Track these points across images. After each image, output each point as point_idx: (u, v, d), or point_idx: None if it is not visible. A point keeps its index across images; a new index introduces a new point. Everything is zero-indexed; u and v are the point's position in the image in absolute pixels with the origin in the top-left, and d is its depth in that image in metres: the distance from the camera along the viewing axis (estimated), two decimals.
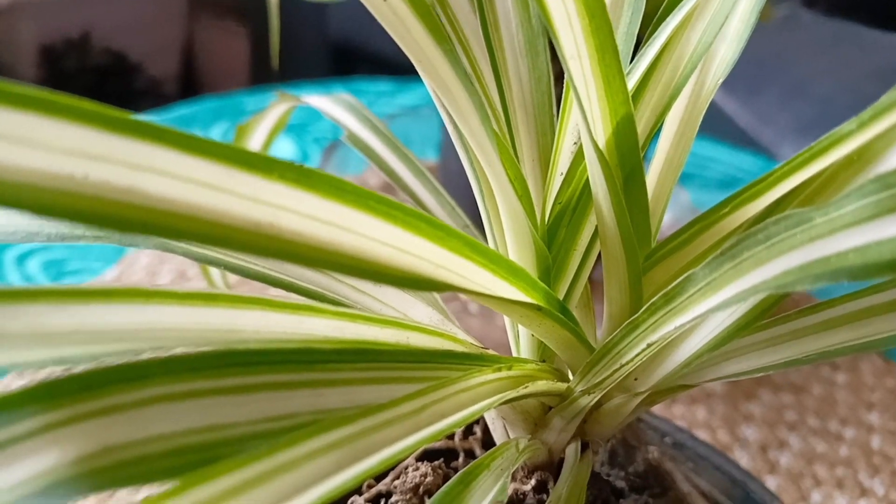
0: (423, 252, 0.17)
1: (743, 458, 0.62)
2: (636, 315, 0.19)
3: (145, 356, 0.14)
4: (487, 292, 0.18)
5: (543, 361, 0.22)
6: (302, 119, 0.96)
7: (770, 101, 1.44)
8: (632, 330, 0.19)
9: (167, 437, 0.14)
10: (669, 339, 0.19)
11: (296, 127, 0.94)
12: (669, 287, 0.18)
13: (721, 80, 0.22)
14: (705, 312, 0.17)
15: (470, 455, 0.28)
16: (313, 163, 0.87)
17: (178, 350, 0.14)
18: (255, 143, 0.42)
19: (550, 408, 0.22)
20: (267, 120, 0.39)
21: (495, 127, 0.23)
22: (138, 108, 0.96)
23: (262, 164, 0.15)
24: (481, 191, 0.22)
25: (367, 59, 1.66)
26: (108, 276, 0.67)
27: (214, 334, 0.15)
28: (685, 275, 0.18)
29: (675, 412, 0.64)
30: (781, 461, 0.63)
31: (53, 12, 1.94)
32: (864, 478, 0.63)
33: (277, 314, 0.16)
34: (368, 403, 0.16)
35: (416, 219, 0.17)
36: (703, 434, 0.64)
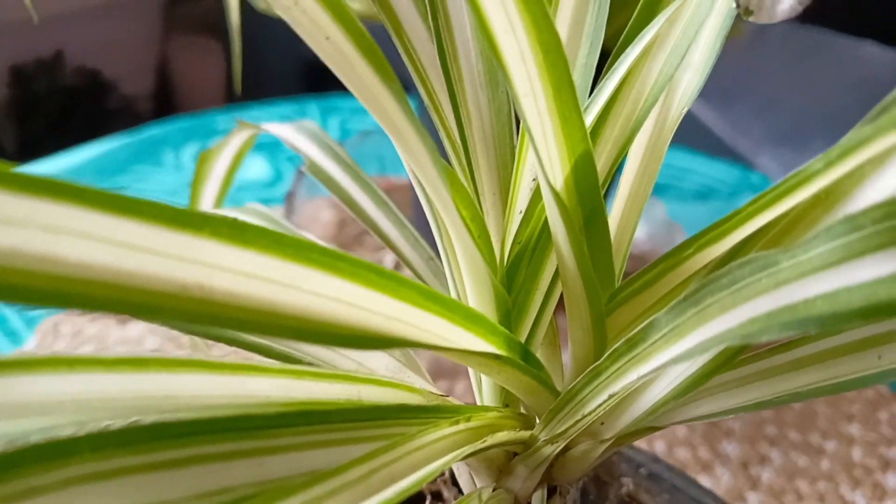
0: (373, 305, 0.16)
1: (724, 475, 0.62)
2: (598, 363, 0.18)
3: (69, 432, 0.13)
4: (445, 344, 0.17)
5: (507, 406, 0.21)
6: (275, 138, 0.95)
7: (745, 111, 1.45)
8: (594, 377, 0.18)
9: None
10: (633, 388, 0.18)
11: (268, 146, 0.93)
12: (632, 333, 0.17)
13: (686, 109, 0.22)
14: (668, 362, 0.16)
15: (437, 497, 0.27)
16: (286, 182, 0.86)
17: (106, 423, 0.13)
18: (218, 170, 0.41)
19: (516, 454, 0.21)
20: (228, 148, 0.39)
21: (454, 160, 0.22)
22: (111, 129, 0.95)
23: (191, 221, 0.14)
24: (439, 230, 0.21)
25: None
26: (28, 346, 0.62)
27: (147, 402, 0.14)
28: (648, 320, 0.17)
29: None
30: (763, 477, 0.62)
31: (24, 32, 1.91)
32: (846, 491, 0.63)
33: (216, 376, 0.15)
34: (315, 470, 0.15)
35: (365, 270, 0.16)
36: (683, 452, 0.63)
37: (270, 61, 1.81)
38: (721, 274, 0.16)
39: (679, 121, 0.22)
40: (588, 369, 0.18)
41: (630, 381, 0.17)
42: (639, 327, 0.17)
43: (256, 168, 0.89)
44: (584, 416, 0.18)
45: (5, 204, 0.12)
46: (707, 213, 0.91)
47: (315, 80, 1.78)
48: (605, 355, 0.18)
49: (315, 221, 0.75)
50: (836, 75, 1.47)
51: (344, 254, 0.16)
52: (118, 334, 0.64)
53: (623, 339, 0.17)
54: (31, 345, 0.61)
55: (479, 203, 0.22)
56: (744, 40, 0.21)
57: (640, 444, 0.57)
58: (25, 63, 1.94)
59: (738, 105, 1.45)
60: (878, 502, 0.63)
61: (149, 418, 0.13)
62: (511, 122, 0.23)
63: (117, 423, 0.14)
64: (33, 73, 1.96)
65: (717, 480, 0.61)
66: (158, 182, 0.85)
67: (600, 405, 0.18)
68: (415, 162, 0.18)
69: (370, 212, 0.30)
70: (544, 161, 0.17)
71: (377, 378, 0.18)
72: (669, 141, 0.22)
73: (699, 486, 0.33)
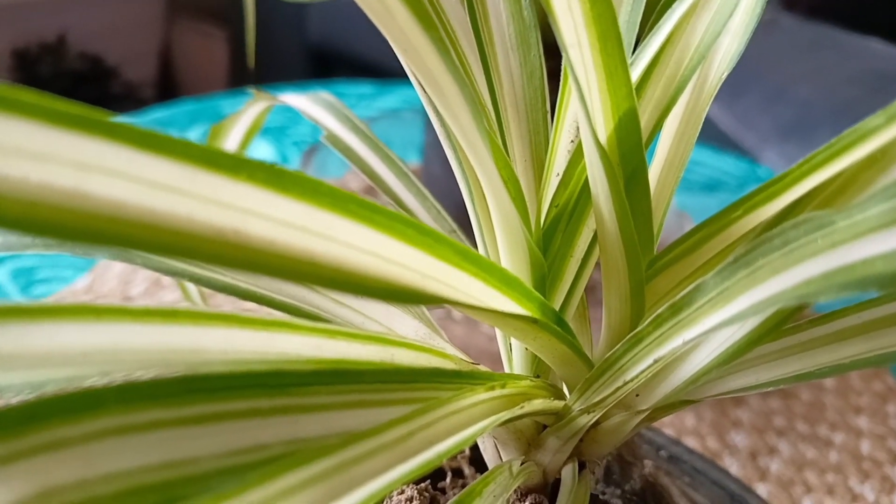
0: (410, 261, 0.15)
1: (733, 466, 0.61)
2: (639, 328, 0.17)
3: (95, 382, 0.13)
4: (480, 304, 0.16)
5: (538, 377, 0.21)
6: (281, 122, 0.94)
7: (751, 104, 1.44)
8: (635, 344, 0.17)
9: (119, 475, 0.12)
10: (677, 355, 0.17)
11: (274, 130, 0.92)
12: (677, 297, 0.16)
13: (725, 75, 0.21)
14: (717, 325, 0.16)
15: (458, 474, 0.26)
16: (292, 166, 0.85)
17: (133, 375, 0.13)
18: (230, 144, 0.40)
19: (545, 426, 0.21)
20: (243, 120, 0.38)
21: (486, 125, 0.22)
22: (115, 114, 0.94)
23: (227, 164, 0.13)
24: (471, 193, 0.20)
25: (347, 61, 1.64)
26: (80, 285, 0.65)
27: (175, 356, 0.13)
28: (694, 284, 0.16)
29: (664, 420, 0.63)
30: (772, 468, 0.62)
31: (28, 16, 1.90)
32: (855, 483, 0.62)
33: (247, 331, 0.15)
34: (350, 431, 0.14)
35: (402, 224, 0.15)
36: (692, 442, 0.63)
37: (276, 47, 1.80)
38: (773, 235, 0.16)
39: (718, 87, 0.21)
40: (629, 335, 0.17)
41: (675, 347, 0.16)
42: (683, 291, 0.16)
43: (261, 152, 0.88)
44: (625, 383, 0.17)
45: (35, 138, 0.12)
46: (715, 205, 0.90)
47: (321, 67, 1.77)
48: (648, 320, 0.17)
49: None
50: (843, 70, 1.46)
51: (382, 207, 0.15)
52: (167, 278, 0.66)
53: (667, 304, 0.17)
54: (86, 281, 0.64)
55: None
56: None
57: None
58: (29, 47, 1.93)
59: (744, 100, 1.44)
60: (888, 495, 0.62)
61: (178, 371, 0.13)
62: (543, 87, 0.22)
63: (145, 375, 0.13)
64: (37, 57, 1.95)
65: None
66: None
67: (642, 372, 0.17)
68: (452, 117, 0.17)
69: (390, 182, 0.29)
70: (590, 115, 0.16)
71: (410, 342, 0.17)
72: (708, 107, 0.21)
73: (719, 468, 0.33)
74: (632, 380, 0.17)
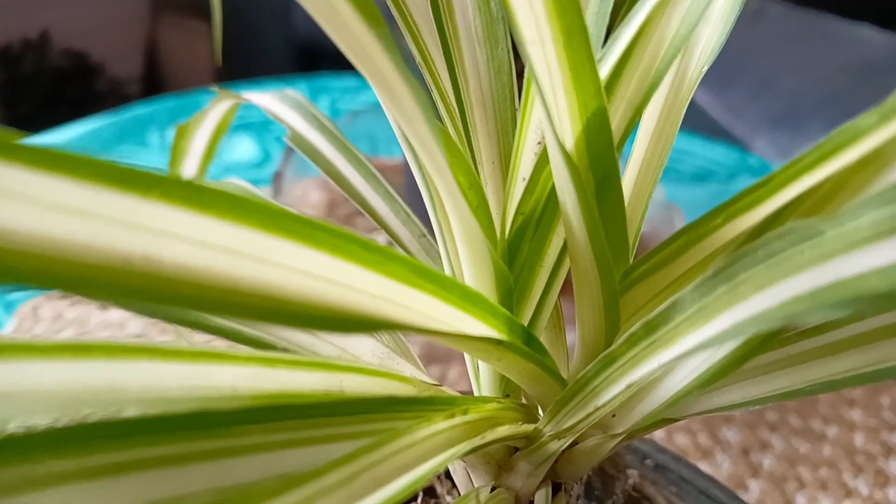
0: (357, 281, 0.14)
1: (725, 462, 0.60)
2: (612, 348, 0.16)
3: None
4: (436, 326, 0.14)
5: (507, 396, 0.19)
6: (264, 117, 0.92)
7: (741, 93, 1.43)
8: (607, 364, 0.16)
9: None
10: (652, 377, 0.16)
11: (256, 125, 0.91)
12: (653, 314, 0.15)
13: (706, 68, 0.19)
14: (695, 348, 0.14)
15: (429, 493, 0.25)
16: (275, 163, 0.83)
17: (31, 422, 0.11)
18: (197, 144, 0.38)
19: (517, 449, 0.19)
20: (209, 119, 0.36)
21: (449, 125, 0.20)
22: (99, 111, 0.92)
23: (137, 181, 0.12)
24: (432, 201, 0.19)
25: (332, 54, 1.62)
26: (6, 330, 0.59)
27: (85, 397, 0.12)
28: (671, 299, 0.15)
29: None
30: (764, 464, 0.61)
31: (9, 12, 1.87)
32: (849, 478, 0.61)
33: (173, 365, 0.13)
34: (288, 473, 0.13)
35: (347, 241, 0.14)
36: (682, 438, 0.62)
37: (259, 41, 1.78)
38: (756, 246, 0.14)
39: (698, 81, 0.20)
40: (601, 356, 0.16)
41: (650, 370, 0.15)
42: (659, 308, 0.15)
43: (244, 148, 0.87)
44: (597, 409, 0.16)
45: None
46: (705, 196, 0.89)
47: (305, 60, 1.75)
48: (622, 340, 0.15)
49: (304, 202, 0.73)
50: (833, 58, 1.45)
51: (322, 223, 0.14)
52: (99, 318, 0.62)
53: (641, 322, 0.15)
54: (9, 328, 0.59)
55: (477, 172, 0.19)
56: (739, 23, 0.19)
57: None
58: (11, 44, 1.90)
59: (734, 88, 1.43)
60: (881, 489, 0.61)
61: (85, 415, 0.11)
62: (512, 83, 0.21)
63: (48, 421, 0.11)
64: (19, 55, 1.92)
65: (717, 467, 0.60)
66: (143, 162, 0.83)
67: (615, 396, 0.15)
68: (406, 121, 0.15)
69: (358, 186, 0.27)
70: (553, 118, 0.15)
71: (361, 366, 0.16)
72: (687, 103, 0.20)
73: (706, 477, 0.31)
74: (605, 404, 0.16)
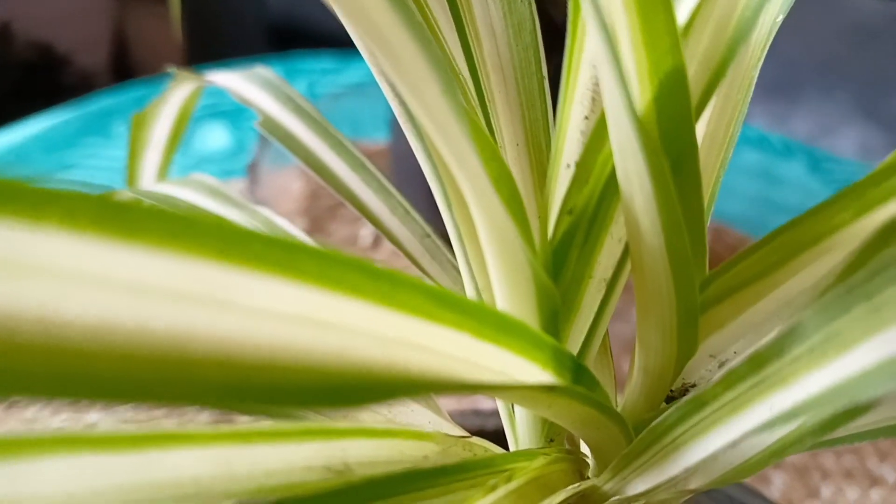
0: (356, 320, 0.10)
1: None
2: (702, 389, 0.12)
3: None
4: (473, 378, 0.10)
5: (551, 441, 0.15)
6: (238, 103, 0.87)
7: None
8: (695, 409, 0.12)
9: None
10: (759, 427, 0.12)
11: (231, 113, 0.86)
12: (762, 345, 0.11)
13: (781, 19, 0.15)
14: (828, 393, 0.10)
15: None
16: (251, 152, 0.78)
17: None
18: (158, 136, 0.34)
19: None
20: (168, 107, 0.32)
21: (462, 100, 0.16)
22: (68, 103, 0.87)
23: (20, 198, 0.07)
24: (446, 198, 0.15)
25: (309, 33, 1.56)
26: None
27: None
28: (790, 323, 0.11)
29: None
30: None
31: None
32: (874, 465, 0.58)
33: (105, 457, 0.09)
34: None
35: (338, 266, 0.10)
36: None
37: (234, 21, 1.71)
38: None
39: (771, 35, 0.16)
40: (689, 395, 0.12)
41: (761, 420, 0.11)
42: (771, 335, 0.11)
43: (217, 137, 0.82)
44: (686, 470, 0.12)
45: None
46: None
47: (280, 41, 1.69)
48: (718, 377, 0.11)
49: (284, 193, 0.68)
50: (826, 24, 1.41)
51: (299, 243, 0.09)
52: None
53: (746, 355, 0.11)
54: None
55: None
56: None
57: None
58: None
59: None
60: None
61: None
62: (537, 44, 0.16)
63: None
64: None
65: None
66: (109, 158, 0.78)
67: (712, 455, 0.12)
68: (415, 95, 0.11)
69: (345, 178, 0.23)
70: (622, 78, 0.10)
71: (367, 427, 0.12)
72: (760, 63, 0.16)
73: (757, 495, 0.28)
74: (696, 465, 0.12)
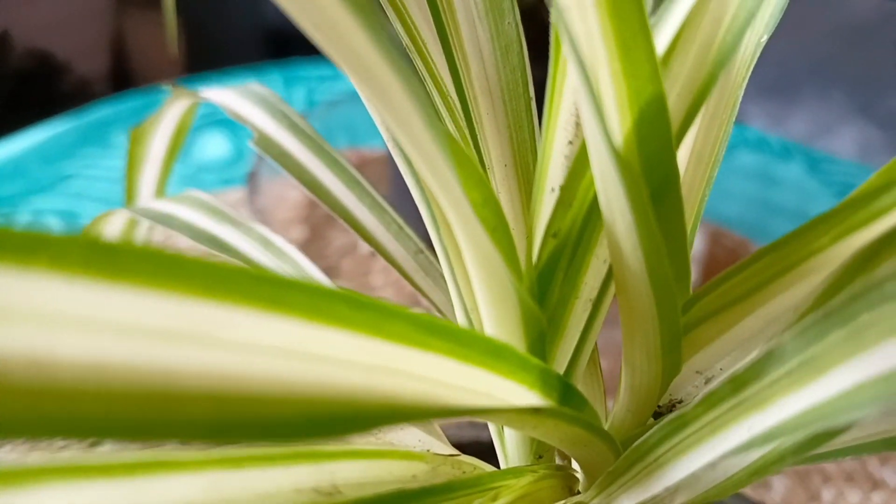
0: (342, 351, 0.10)
1: None
2: (683, 410, 0.12)
3: None
4: (455, 405, 0.11)
5: (540, 458, 0.16)
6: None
7: None
8: (677, 429, 0.12)
9: None
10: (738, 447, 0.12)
11: (229, 122, 0.86)
12: (741, 367, 0.11)
13: (765, 38, 0.16)
14: (805, 415, 0.10)
15: None
16: (249, 161, 0.79)
17: None
18: (156, 151, 0.34)
19: None
20: (165, 123, 0.32)
21: (449, 122, 0.16)
22: (67, 112, 0.87)
23: (15, 244, 0.08)
24: (435, 222, 0.15)
25: (305, 40, 1.57)
26: None
27: None
28: (768, 346, 0.11)
29: None
30: None
31: None
32: (875, 468, 0.59)
33: (97, 485, 0.09)
34: None
35: (328, 300, 0.10)
36: None
37: (230, 28, 1.72)
38: (884, 276, 0.10)
39: (756, 55, 0.16)
40: (671, 416, 0.12)
41: (740, 441, 0.11)
42: (749, 358, 0.11)
43: (216, 146, 0.82)
44: (666, 490, 0.12)
45: None
46: None
47: (277, 47, 1.70)
48: (699, 398, 0.12)
49: (282, 202, 0.69)
50: (822, 23, 1.41)
51: (288, 278, 0.10)
52: None
53: (727, 376, 0.11)
54: None
55: (487, 179, 0.15)
56: None
57: None
58: None
59: None
60: None
61: None
62: (524, 67, 0.17)
63: None
64: None
65: None
66: (107, 168, 0.78)
67: (692, 474, 0.12)
68: (399, 124, 0.11)
69: (338, 194, 0.23)
70: (599, 107, 0.11)
71: (356, 448, 0.12)
72: (745, 82, 0.16)
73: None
74: (678, 484, 0.12)
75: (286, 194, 0.69)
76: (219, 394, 0.08)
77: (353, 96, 0.89)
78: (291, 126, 0.25)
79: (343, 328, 0.10)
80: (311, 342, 0.10)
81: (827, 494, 0.55)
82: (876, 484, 0.57)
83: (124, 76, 2.08)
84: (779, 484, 0.55)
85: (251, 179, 0.64)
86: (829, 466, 0.57)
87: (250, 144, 0.25)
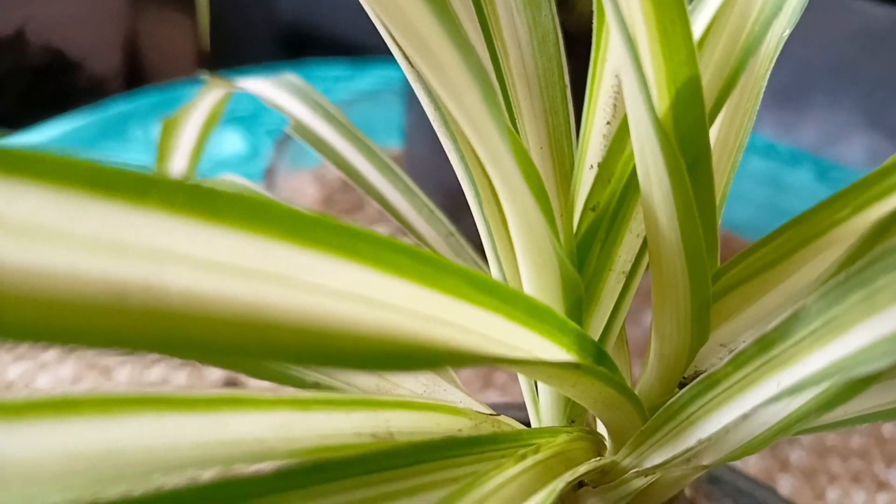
0: (406, 301, 0.11)
1: (752, 458, 0.58)
2: (715, 369, 0.13)
3: None
4: (506, 354, 0.12)
5: (573, 422, 0.16)
6: (252, 109, 0.89)
7: None
8: (708, 388, 0.13)
9: None
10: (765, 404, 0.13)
11: (245, 119, 0.87)
12: (769, 328, 0.12)
13: (787, 32, 0.17)
14: (826, 370, 0.11)
15: None
16: (265, 158, 0.80)
17: None
18: (186, 139, 0.35)
19: (581, 483, 0.16)
20: (198, 111, 0.33)
21: (499, 104, 0.17)
22: (81, 108, 0.89)
23: (127, 185, 0.09)
24: (478, 196, 0.16)
25: (321, 40, 1.58)
26: None
27: (77, 470, 0.09)
28: (794, 309, 0.12)
29: None
30: (792, 458, 0.58)
31: None
32: (880, 469, 0.59)
33: (182, 417, 0.10)
34: None
35: (393, 252, 0.11)
36: None
37: (245, 28, 1.73)
38: None
39: (779, 48, 0.17)
40: (701, 376, 0.13)
41: (768, 395, 0.12)
42: (777, 320, 0.12)
43: (232, 142, 0.83)
44: (699, 443, 0.13)
45: None
46: None
47: (294, 47, 1.71)
48: (728, 358, 0.13)
49: (299, 197, 0.70)
50: (839, 28, 1.42)
51: (361, 229, 0.11)
52: (46, 379, 0.49)
53: (754, 338, 0.12)
54: None
55: None
56: None
57: None
58: None
59: None
60: None
61: (55, 499, 0.08)
62: (560, 56, 0.18)
63: None
64: None
65: (744, 463, 0.57)
66: (128, 161, 0.79)
67: (724, 428, 0.13)
68: (453, 98, 0.12)
69: (371, 177, 0.24)
70: (644, 87, 0.12)
71: (408, 400, 0.13)
72: (769, 73, 0.17)
73: (765, 487, 0.29)
74: (710, 437, 0.13)
75: (303, 190, 0.70)
76: (299, 327, 0.09)
77: (368, 96, 0.90)
78: (326, 114, 0.26)
79: (405, 278, 0.11)
80: (377, 289, 0.10)
81: (832, 494, 0.56)
82: (881, 485, 0.57)
83: (138, 74, 2.10)
84: (785, 483, 0.56)
85: (268, 175, 0.66)
86: (835, 466, 0.57)
87: (287, 130, 0.26)
